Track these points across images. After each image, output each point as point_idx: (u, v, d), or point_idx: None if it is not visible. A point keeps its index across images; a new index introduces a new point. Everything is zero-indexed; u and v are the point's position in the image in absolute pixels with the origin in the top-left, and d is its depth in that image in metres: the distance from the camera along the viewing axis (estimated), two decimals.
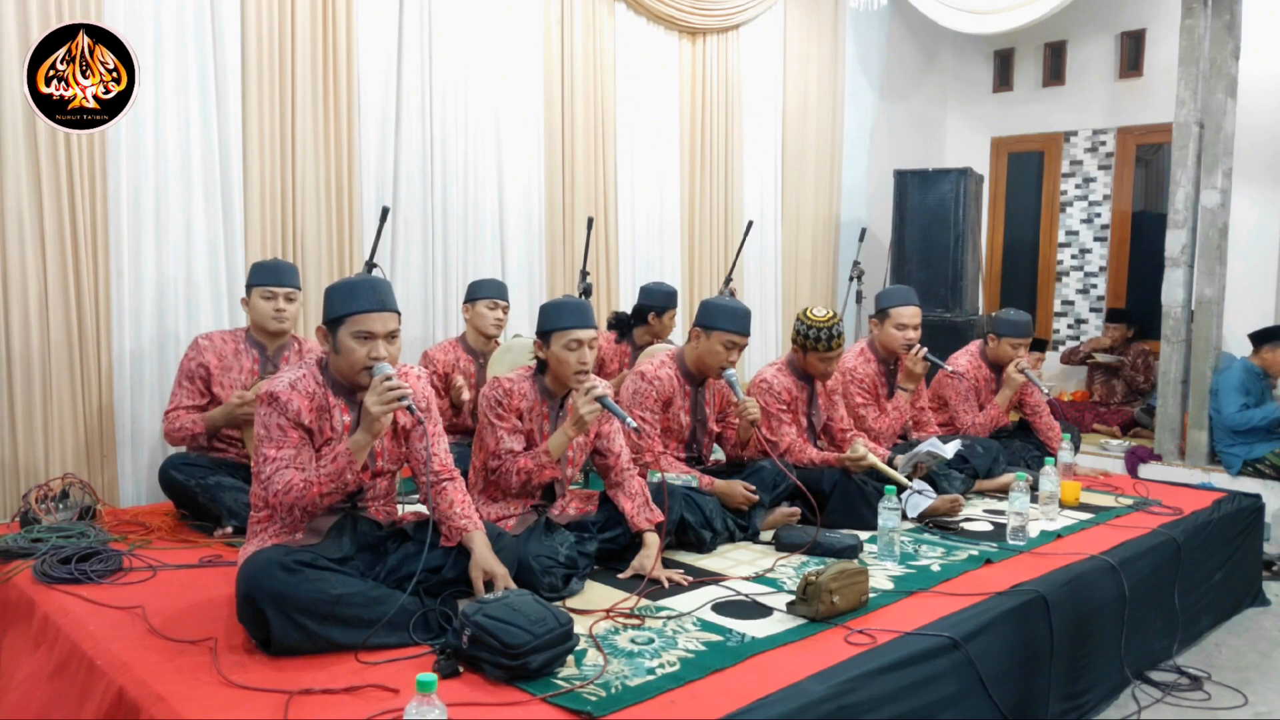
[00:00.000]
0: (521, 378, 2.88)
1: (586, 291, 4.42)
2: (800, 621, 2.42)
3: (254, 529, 2.41)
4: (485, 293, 4.10)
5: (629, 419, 2.72)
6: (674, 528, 2.97)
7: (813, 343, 3.55)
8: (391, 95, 4.52)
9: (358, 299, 2.36)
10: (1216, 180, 5.19)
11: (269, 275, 3.42)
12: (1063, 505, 3.64)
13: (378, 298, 2.37)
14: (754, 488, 3.23)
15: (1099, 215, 6.98)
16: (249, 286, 3.45)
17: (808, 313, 3.59)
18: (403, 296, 4.53)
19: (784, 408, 3.62)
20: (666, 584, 2.69)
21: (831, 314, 3.55)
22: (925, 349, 3.91)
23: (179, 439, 3.36)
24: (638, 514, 2.87)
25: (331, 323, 2.37)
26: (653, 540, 2.82)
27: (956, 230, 6.39)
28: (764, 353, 6.16)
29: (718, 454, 3.71)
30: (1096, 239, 7.01)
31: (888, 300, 3.99)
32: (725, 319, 3.27)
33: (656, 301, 4.50)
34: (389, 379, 2.28)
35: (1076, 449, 4.36)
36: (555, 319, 2.80)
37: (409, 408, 2.32)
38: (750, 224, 5.37)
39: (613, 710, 1.91)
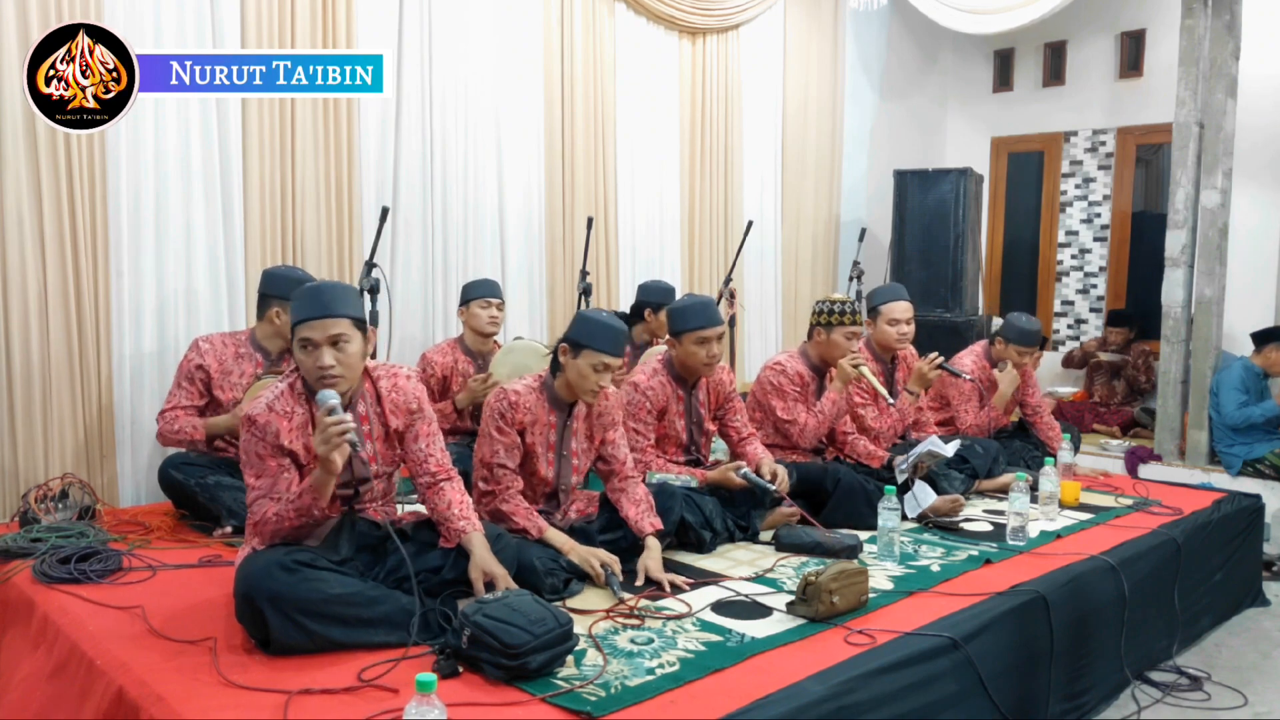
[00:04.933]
0: (529, 389, 2.86)
1: (586, 291, 4.42)
2: (800, 621, 2.43)
3: (252, 529, 2.40)
4: (478, 293, 4.09)
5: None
6: (674, 528, 2.97)
7: (837, 316, 3.61)
8: (391, 95, 4.51)
9: (300, 307, 2.31)
10: (1216, 180, 5.19)
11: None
12: (1063, 505, 3.63)
13: (317, 304, 2.29)
14: (744, 465, 3.27)
15: (1099, 215, 6.98)
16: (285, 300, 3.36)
17: (826, 297, 3.73)
18: (402, 296, 4.54)
19: (798, 390, 3.64)
20: (669, 591, 2.67)
21: (845, 297, 3.73)
22: (941, 357, 3.91)
23: (175, 441, 3.35)
24: (641, 519, 2.87)
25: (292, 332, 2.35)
26: (655, 544, 2.83)
27: (956, 230, 6.38)
28: (764, 353, 6.16)
29: (717, 455, 3.71)
30: (1096, 239, 7.00)
31: (879, 298, 4.01)
32: (688, 319, 3.28)
33: (653, 298, 4.49)
34: (332, 411, 2.18)
35: (1076, 449, 4.36)
36: (590, 336, 2.77)
37: (351, 443, 2.18)
38: (750, 224, 5.37)
39: (612, 710, 1.91)
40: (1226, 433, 5.06)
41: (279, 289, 3.35)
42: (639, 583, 2.70)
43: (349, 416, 2.19)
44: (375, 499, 2.54)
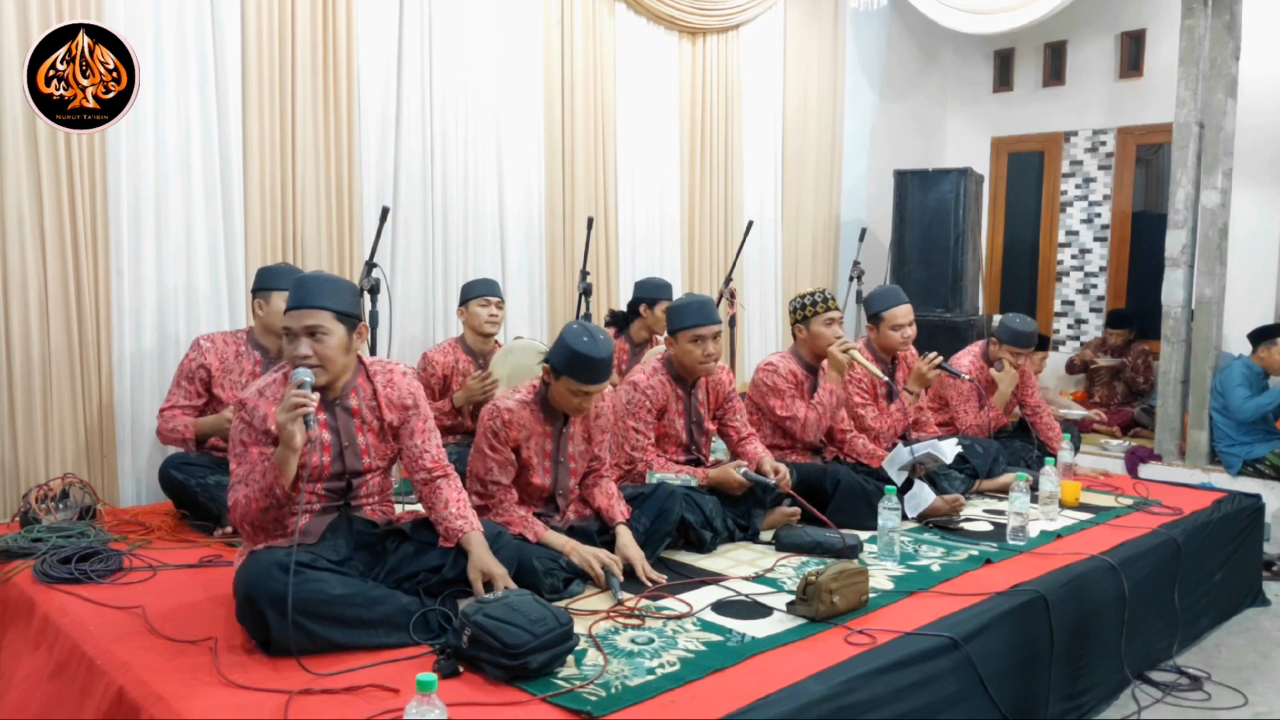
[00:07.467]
0: (522, 404, 2.83)
1: (586, 291, 4.41)
2: (800, 621, 2.43)
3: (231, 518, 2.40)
4: (477, 292, 4.09)
5: None
6: (673, 528, 2.98)
7: (812, 308, 3.65)
8: (391, 95, 4.52)
9: (289, 297, 2.36)
10: (1216, 180, 5.19)
11: (287, 280, 3.36)
12: (1063, 505, 3.64)
13: (298, 294, 2.33)
14: (744, 464, 3.27)
15: (1099, 215, 6.98)
16: (266, 290, 3.42)
17: (796, 295, 3.76)
18: (402, 296, 4.54)
19: (792, 386, 3.65)
20: (649, 583, 2.70)
21: (816, 286, 3.73)
22: (940, 357, 3.91)
23: (170, 439, 3.36)
24: (613, 508, 2.93)
25: None
26: (625, 531, 2.86)
27: (956, 230, 6.38)
28: (764, 353, 6.15)
29: (717, 455, 3.71)
30: (1096, 239, 7.00)
31: (879, 304, 3.99)
32: (684, 317, 3.29)
33: (647, 293, 4.49)
34: (301, 386, 2.21)
35: (1076, 449, 4.36)
36: (567, 366, 2.72)
37: (306, 421, 2.20)
38: (750, 224, 5.37)
39: (613, 710, 1.91)
40: (1227, 432, 5.06)
41: (261, 282, 3.45)
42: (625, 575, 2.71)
43: (316, 396, 2.22)
44: (371, 495, 2.54)
